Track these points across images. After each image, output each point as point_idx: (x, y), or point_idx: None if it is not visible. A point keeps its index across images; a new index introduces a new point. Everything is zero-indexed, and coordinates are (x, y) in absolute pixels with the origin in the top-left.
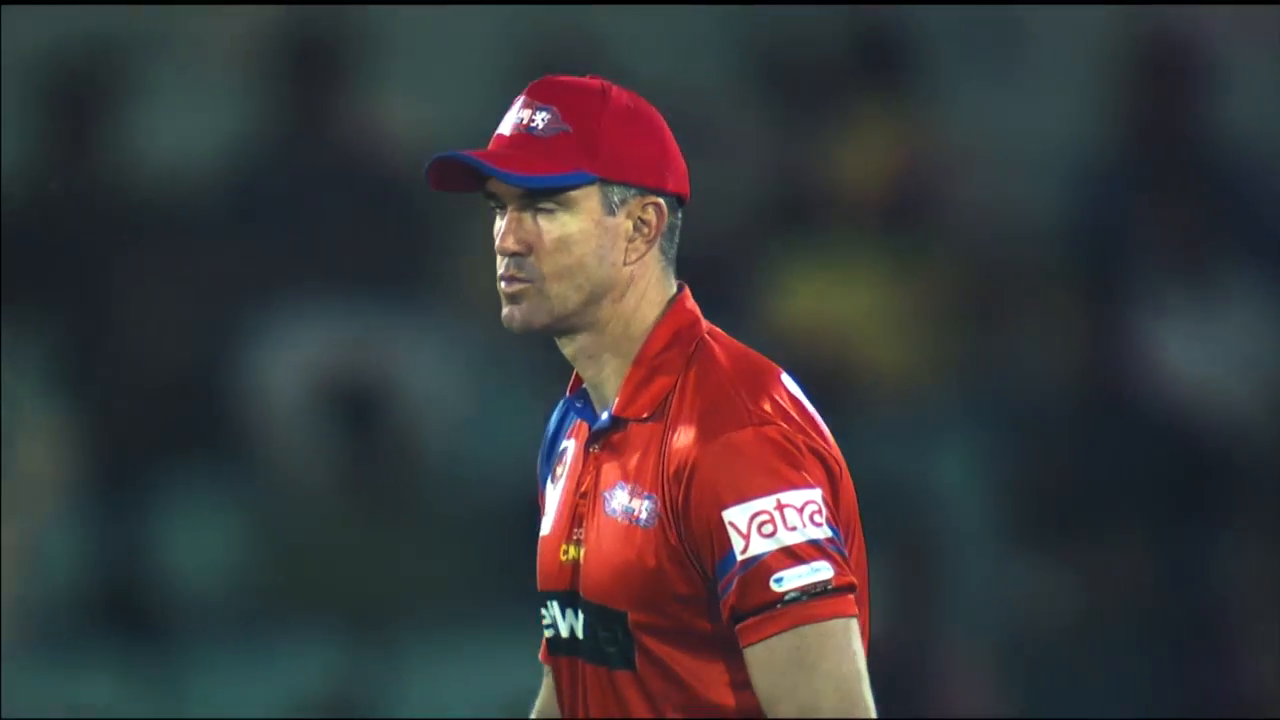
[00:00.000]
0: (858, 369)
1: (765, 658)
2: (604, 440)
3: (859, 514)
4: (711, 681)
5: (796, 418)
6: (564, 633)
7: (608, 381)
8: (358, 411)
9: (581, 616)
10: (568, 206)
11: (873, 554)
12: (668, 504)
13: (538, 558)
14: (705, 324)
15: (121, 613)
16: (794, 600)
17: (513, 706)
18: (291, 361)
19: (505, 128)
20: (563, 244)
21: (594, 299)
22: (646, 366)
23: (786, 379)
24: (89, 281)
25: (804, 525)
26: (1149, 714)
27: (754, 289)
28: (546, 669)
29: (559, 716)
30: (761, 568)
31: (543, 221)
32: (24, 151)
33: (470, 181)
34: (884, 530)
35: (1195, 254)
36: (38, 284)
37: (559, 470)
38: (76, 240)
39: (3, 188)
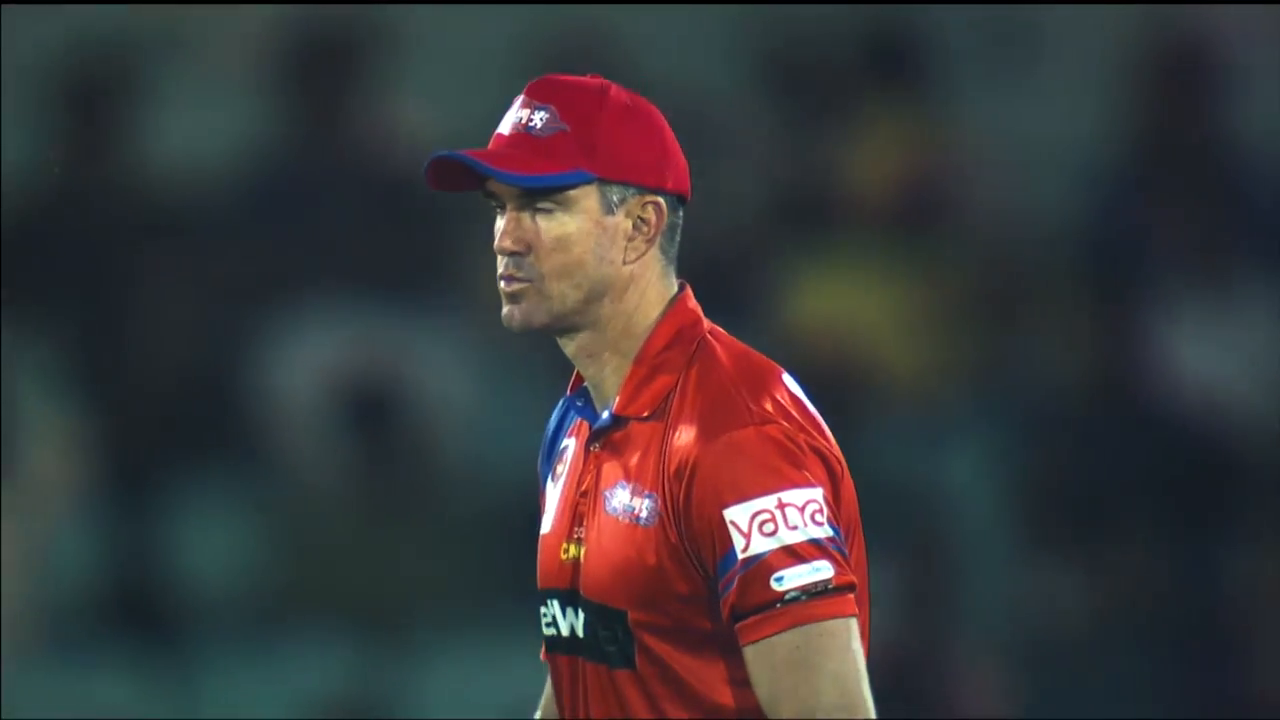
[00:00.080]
0: (871, 371)
1: (765, 657)
2: (605, 439)
3: (859, 514)
4: (711, 680)
5: (798, 417)
6: (564, 631)
7: (608, 380)
8: (371, 413)
9: (582, 615)
10: (566, 206)
11: (885, 554)
12: (668, 503)
13: (538, 556)
14: (707, 323)
15: (135, 614)
16: (794, 599)
17: (525, 707)
18: (305, 363)
19: (504, 127)
20: (561, 243)
21: (594, 298)
22: (647, 365)
23: (787, 378)
24: (101, 283)
25: (805, 524)
26: (1159, 715)
27: (767, 291)
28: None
29: (559, 716)
30: (762, 566)
31: (541, 221)
32: (36, 153)
33: (469, 181)
34: (896, 531)
35: (1208, 257)
36: (50, 285)
37: (559, 469)
38: (89, 241)
39: (3, 188)
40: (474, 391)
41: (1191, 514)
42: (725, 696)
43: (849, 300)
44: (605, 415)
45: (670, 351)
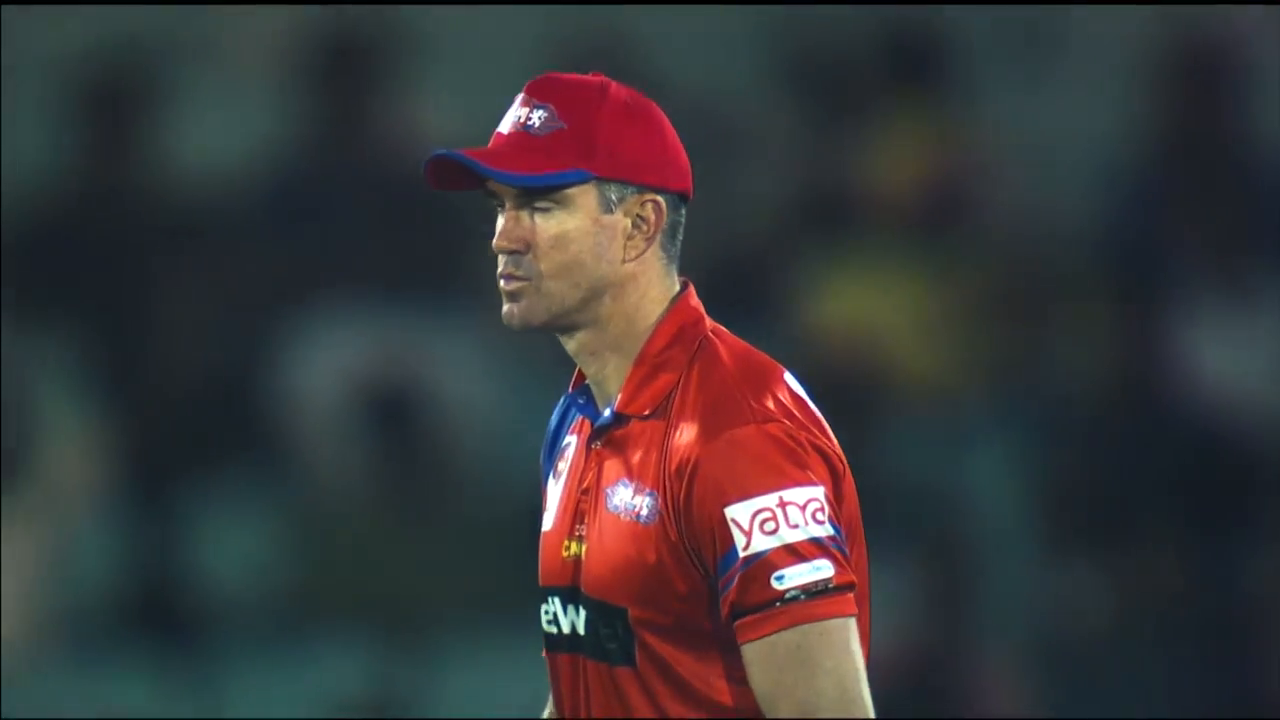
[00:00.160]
0: (892, 373)
1: (765, 655)
2: (606, 437)
3: (861, 513)
4: (712, 678)
5: (799, 416)
6: (564, 629)
7: (610, 378)
8: (392, 415)
9: (583, 613)
10: (564, 204)
11: (906, 556)
12: (669, 501)
13: (540, 553)
14: (709, 322)
15: (155, 616)
16: (795, 598)
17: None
18: (324, 365)
19: (504, 126)
20: (559, 242)
21: (593, 296)
22: (649, 364)
23: (789, 377)
24: (122, 285)
25: (806, 523)
26: (1178, 715)
27: (787, 293)
28: None
29: (558, 715)
30: (763, 565)
31: (539, 220)
32: (60, 156)
33: (469, 180)
34: (917, 532)
35: (1228, 258)
36: (71, 288)
37: (561, 466)
38: (109, 244)
39: (23, 190)
40: (493, 393)
41: (1211, 514)
42: (726, 695)
43: (869, 301)
44: (607, 413)
45: (672, 350)
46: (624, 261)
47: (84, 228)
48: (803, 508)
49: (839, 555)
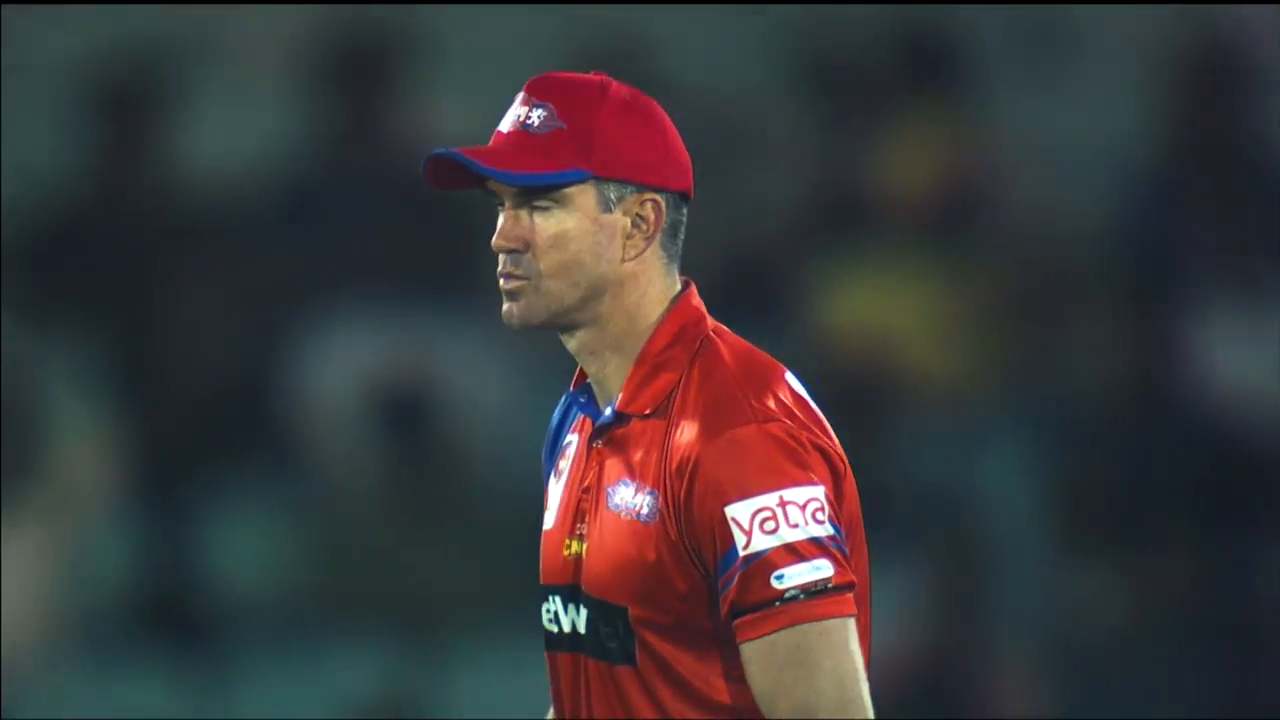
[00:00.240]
0: (905, 374)
1: (764, 654)
2: (607, 436)
3: (862, 513)
4: (712, 678)
5: (800, 415)
6: (565, 628)
7: (611, 377)
8: (405, 416)
9: (583, 611)
10: (563, 204)
11: (920, 558)
12: (669, 500)
13: (541, 552)
14: (710, 321)
15: (170, 618)
16: (794, 598)
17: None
18: (338, 366)
19: (504, 125)
20: (558, 241)
21: (593, 296)
22: (650, 363)
23: (790, 377)
24: (137, 286)
25: (806, 522)
26: (1193, 717)
27: (801, 294)
28: None
29: (558, 714)
30: (763, 564)
31: (538, 219)
32: (73, 157)
33: (469, 180)
34: (931, 535)
35: (1242, 259)
36: (86, 288)
37: (562, 465)
38: (124, 244)
39: (40, 192)
40: (506, 394)
41: (1225, 516)
42: (726, 694)
43: (883, 303)
44: (608, 412)
45: (673, 349)
46: (623, 261)
47: (97, 229)
48: (803, 507)
49: (839, 555)
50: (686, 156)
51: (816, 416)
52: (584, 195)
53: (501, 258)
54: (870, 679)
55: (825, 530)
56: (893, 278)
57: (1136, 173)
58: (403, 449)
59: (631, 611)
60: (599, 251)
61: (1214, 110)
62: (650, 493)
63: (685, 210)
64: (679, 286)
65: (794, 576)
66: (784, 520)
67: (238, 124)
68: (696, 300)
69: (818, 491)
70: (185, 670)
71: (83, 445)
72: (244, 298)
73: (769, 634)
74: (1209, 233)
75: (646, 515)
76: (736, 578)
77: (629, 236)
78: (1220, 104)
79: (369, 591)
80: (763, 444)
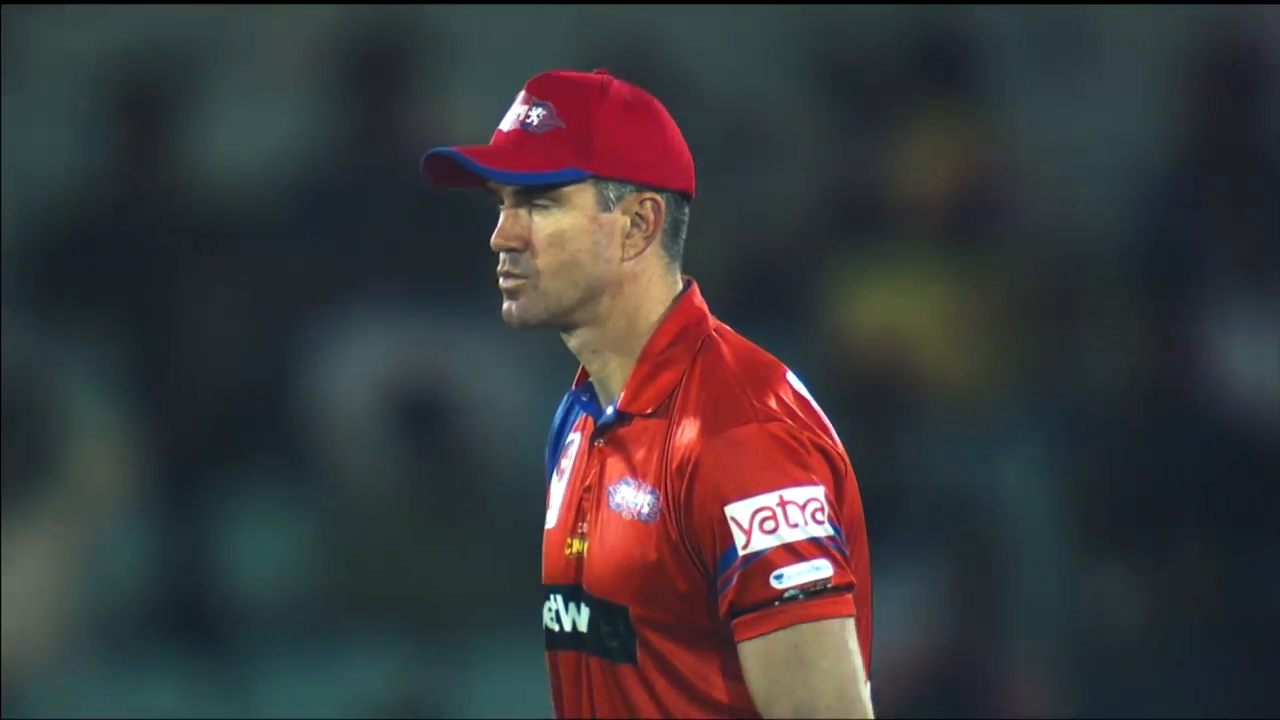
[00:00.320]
0: (921, 376)
1: (762, 654)
2: (609, 435)
3: (863, 514)
4: (713, 677)
5: (802, 415)
6: (566, 626)
7: (613, 376)
8: (422, 418)
9: (585, 610)
10: (561, 203)
11: (938, 559)
12: (670, 499)
13: (543, 551)
14: (712, 320)
15: (186, 619)
16: (793, 598)
17: None
18: (355, 367)
19: (505, 123)
20: (556, 240)
21: (592, 295)
22: (652, 362)
23: (792, 376)
24: (153, 288)
25: (805, 522)
26: (1210, 718)
27: (818, 297)
28: None
29: (558, 713)
30: (762, 563)
31: (537, 218)
32: (90, 158)
33: (469, 178)
34: (947, 536)
35: (1259, 261)
36: (102, 290)
37: (564, 464)
38: (140, 246)
39: (56, 193)
40: (522, 396)
41: (1241, 517)
42: (728, 693)
43: (899, 305)
44: (609, 411)
45: (675, 348)
46: (623, 260)
47: (114, 230)
48: (802, 507)
49: (838, 556)
50: (688, 155)
51: (818, 416)
52: (583, 194)
53: (501, 256)
54: (873, 679)
55: (825, 530)
56: (909, 279)
57: (1153, 174)
58: (419, 450)
59: (632, 611)
60: (598, 251)
61: (1230, 112)
62: (651, 492)
63: (687, 210)
64: (681, 286)
65: (793, 576)
66: (784, 520)
67: (254, 125)
68: (698, 299)
69: (818, 492)
70: (201, 671)
71: (100, 446)
72: (261, 299)
73: (767, 633)
74: (1225, 234)
75: (647, 514)
76: (736, 577)
77: (628, 236)
78: (1237, 105)
79: (385, 592)
80: (763, 443)
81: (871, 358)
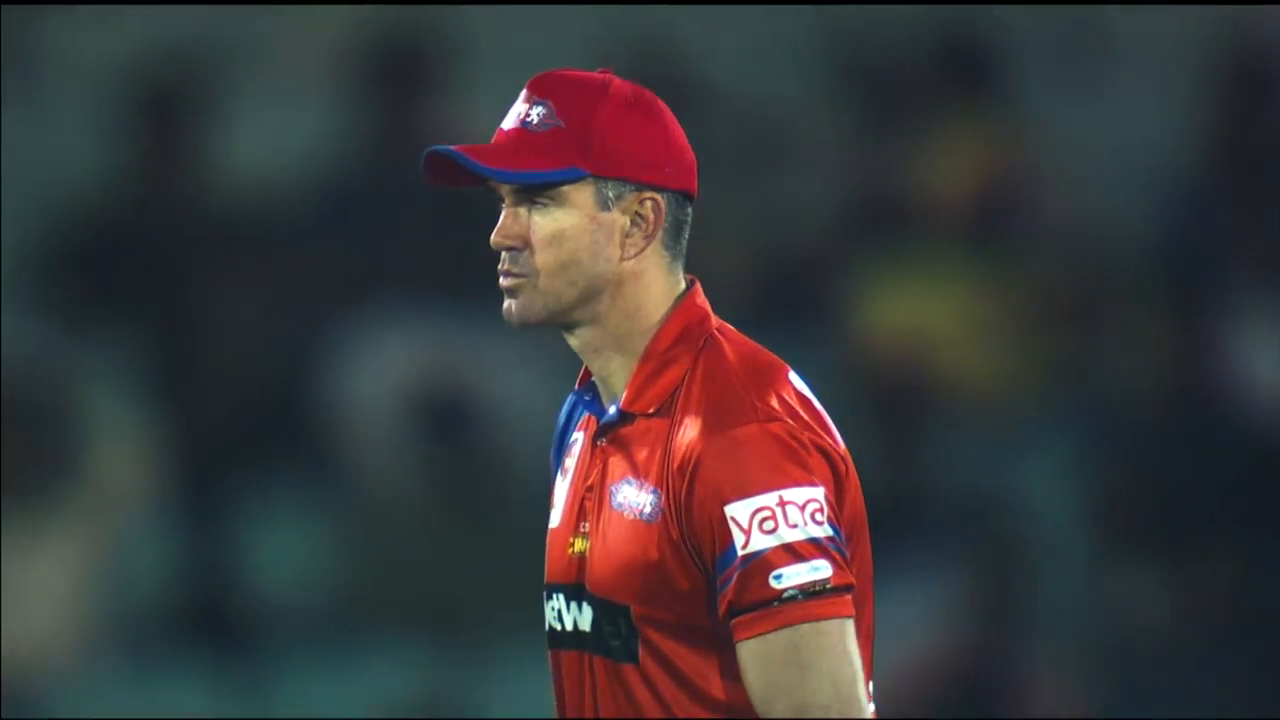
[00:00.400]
0: (945, 378)
1: (761, 654)
2: (611, 434)
3: (865, 514)
4: (715, 676)
5: (804, 415)
6: (569, 626)
7: (615, 375)
8: (444, 419)
9: (587, 610)
10: (560, 202)
11: (961, 561)
12: (671, 498)
13: (546, 551)
14: (715, 320)
15: (208, 621)
16: (792, 598)
17: None
18: (378, 369)
19: (506, 122)
20: (555, 239)
21: (591, 294)
22: (654, 361)
23: (794, 377)
24: (175, 289)
25: (805, 523)
26: (1234, 719)
27: (841, 299)
28: None
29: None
30: (761, 563)
31: (536, 216)
32: (113, 160)
33: (468, 177)
34: (971, 538)
35: None
36: (124, 292)
37: (568, 463)
38: (162, 248)
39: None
40: (544, 399)
41: (1264, 519)
42: (729, 692)
43: (923, 308)
44: (612, 410)
45: (677, 348)
46: (622, 259)
47: (137, 232)
48: (802, 507)
49: (838, 556)
50: (690, 155)
51: (820, 416)
52: (582, 193)
53: (502, 255)
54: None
55: (824, 531)
56: (932, 281)
57: (1175, 176)
58: (441, 452)
59: (634, 610)
60: (597, 250)
61: (1252, 114)
62: (653, 491)
63: (690, 210)
64: (683, 285)
65: (792, 576)
66: (783, 520)
67: (277, 127)
68: (701, 299)
69: (817, 492)
70: (224, 672)
71: (122, 448)
72: (282, 301)
73: (766, 633)
74: (1247, 236)
75: (649, 514)
76: (735, 577)
77: (628, 235)
78: (1259, 108)
79: (406, 594)
80: (764, 443)
81: (895, 360)
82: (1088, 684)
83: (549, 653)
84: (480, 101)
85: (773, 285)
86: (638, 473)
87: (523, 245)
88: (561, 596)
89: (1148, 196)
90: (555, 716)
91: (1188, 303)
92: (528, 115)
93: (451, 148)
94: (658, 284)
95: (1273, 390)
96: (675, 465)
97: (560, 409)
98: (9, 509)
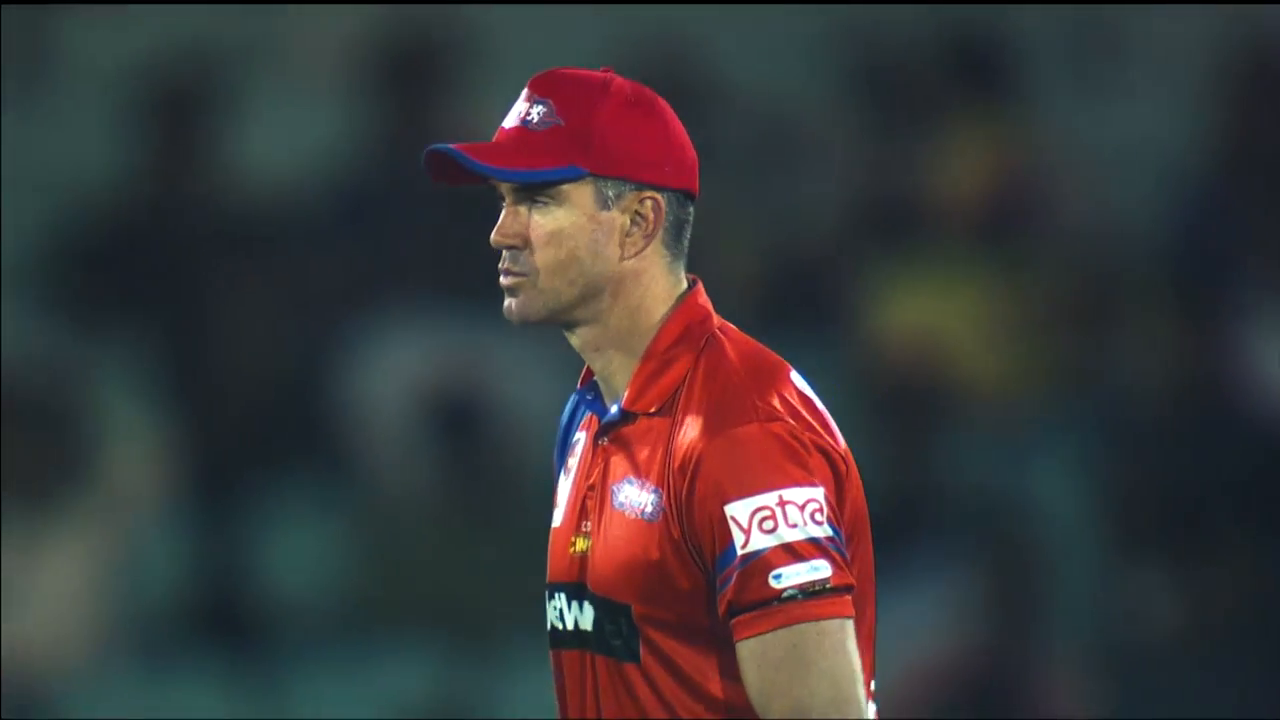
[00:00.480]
0: (957, 379)
1: (759, 653)
2: (613, 433)
3: (867, 515)
4: (716, 675)
5: (805, 414)
6: (570, 625)
7: (616, 375)
8: (457, 420)
9: (588, 609)
10: (560, 200)
11: (973, 562)
12: (672, 497)
13: (549, 550)
14: (717, 319)
15: (222, 622)
16: (791, 598)
17: None
18: (390, 371)
19: (508, 121)
20: (554, 238)
21: (591, 293)
22: (656, 360)
23: (796, 376)
24: (188, 290)
25: (805, 523)
26: None
27: (852, 300)
28: None
29: (561, 712)
30: (761, 563)
31: (536, 215)
32: (126, 161)
33: (469, 175)
34: (983, 538)
35: None
36: (137, 292)
37: (571, 463)
38: (177, 250)
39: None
40: (558, 400)
41: (1278, 519)
42: (730, 692)
43: (934, 308)
44: (614, 409)
45: (679, 347)
46: (622, 259)
47: (150, 233)
48: (802, 507)
49: (838, 557)
50: (692, 154)
51: (821, 416)
52: (581, 192)
53: (502, 254)
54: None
55: (824, 531)
56: (944, 282)
57: (1187, 176)
58: (454, 453)
59: (635, 609)
60: (596, 249)
61: (1264, 114)
62: (654, 491)
63: (691, 209)
64: (685, 285)
65: (791, 576)
66: (783, 520)
67: (291, 128)
68: (703, 298)
69: (817, 493)
70: (238, 674)
71: (135, 449)
72: (296, 302)
73: (765, 633)
74: (1260, 236)
75: (650, 513)
76: (734, 576)
77: (628, 234)
78: (1270, 107)
79: (419, 594)
80: (764, 443)
81: (907, 361)
82: (1099, 684)
83: (550, 652)
84: (494, 102)
85: (784, 285)
86: (639, 472)
87: (522, 244)
88: (563, 596)
89: (1159, 197)
90: (558, 716)
91: (1199, 303)
92: (528, 114)
93: (451, 146)
94: (658, 283)
95: None
96: (676, 464)
97: (563, 409)
98: (23, 509)
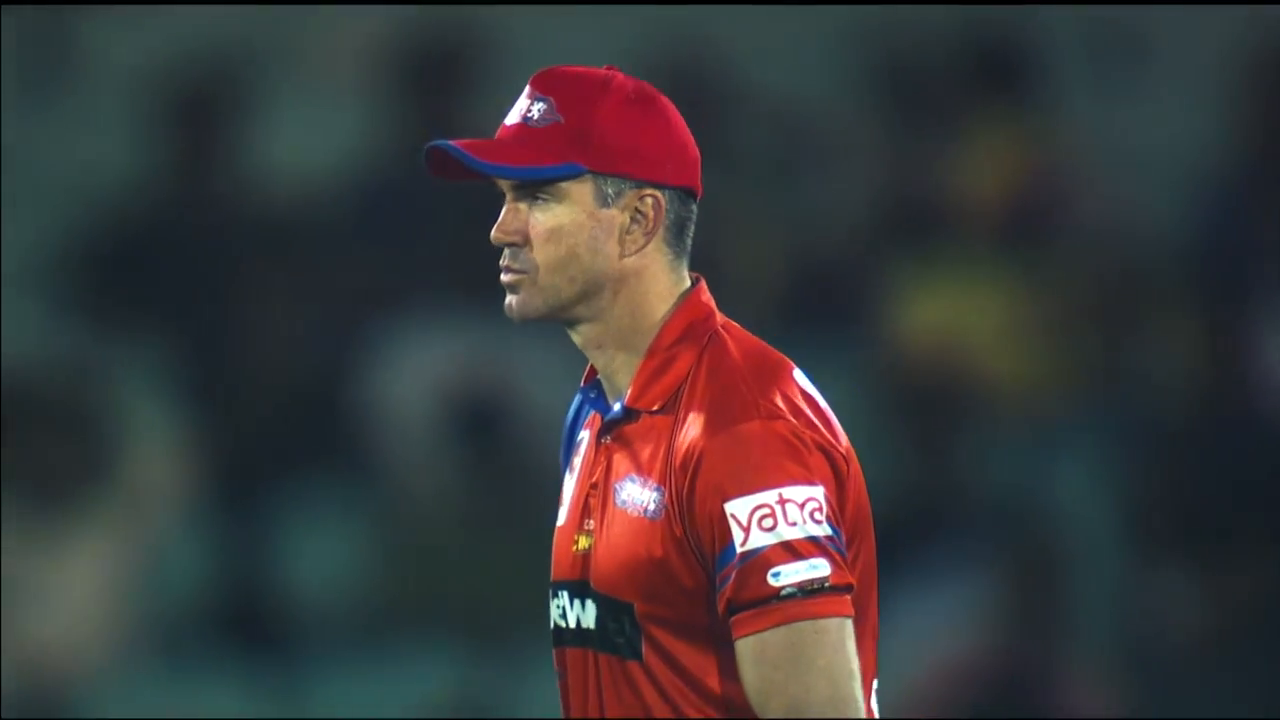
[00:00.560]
0: (979, 380)
1: (758, 651)
2: (615, 431)
3: (870, 514)
4: (718, 673)
5: (807, 413)
6: (573, 623)
7: (619, 373)
8: (479, 422)
9: (591, 607)
10: (560, 198)
11: (996, 565)
12: (673, 495)
13: (552, 548)
14: (720, 317)
15: (244, 622)
16: (790, 596)
17: None
18: (412, 372)
19: (509, 118)
20: (554, 235)
21: (591, 291)
22: (659, 358)
23: (799, 374)
24: (212, 293)
25: (804, 521)
26: None
27: (874, 301)
28: None
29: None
30: (760, 561)
31: (536, 213)
32: (148, 163)
33: (470, 172)
34: (1006, 541)
35: None
36: (162, 296)
37: (575, 461)
38: (199, 251)
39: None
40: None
41: None
42: (734, 689)
43: (957, 310)
44: (616, 407)
45: (681, 345)
46: (622, 256)
47: (172, 234)
48: (801, 506)
49: (837, 556)
50: (694, 152)
51: (824, 414)
52: (581, 190)
53: (503, 251)
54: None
55: (824, 530)
56: (966, 283)
57: (1209, 177)
58: (476, 455)
59: (638, 607)
60: (596, 246)
61: None
62: (657, 489)
63: (693, 207)
64: (688, 283)
65: (790, 574)
66: (782, 518)
67: (313, 129)
68: (706, 296)
69: (817, 491)
70: (260, 674)
71: (157, 450)
72: (318, 303)
73: (763, 630)
74: None
75: (653, 511)
76: (734, 574)
77: (628, 232)
78: None
79: (441, 596)
80: (765, 441)
81: (929, 362)
82: (1120, 686)
83: (554, 650)
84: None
85: (807, 287)
86: (642, 470)
87: (523, 241)
88: (566, 594)
89: (1182, 198)
90: (561, 714)
91: (1222, 304)
92: (529, 111)
93: (451, 143)
94: (660, 281)
95: None
96: (678, 462)
97: (569, 407)
98: (46, 510)
